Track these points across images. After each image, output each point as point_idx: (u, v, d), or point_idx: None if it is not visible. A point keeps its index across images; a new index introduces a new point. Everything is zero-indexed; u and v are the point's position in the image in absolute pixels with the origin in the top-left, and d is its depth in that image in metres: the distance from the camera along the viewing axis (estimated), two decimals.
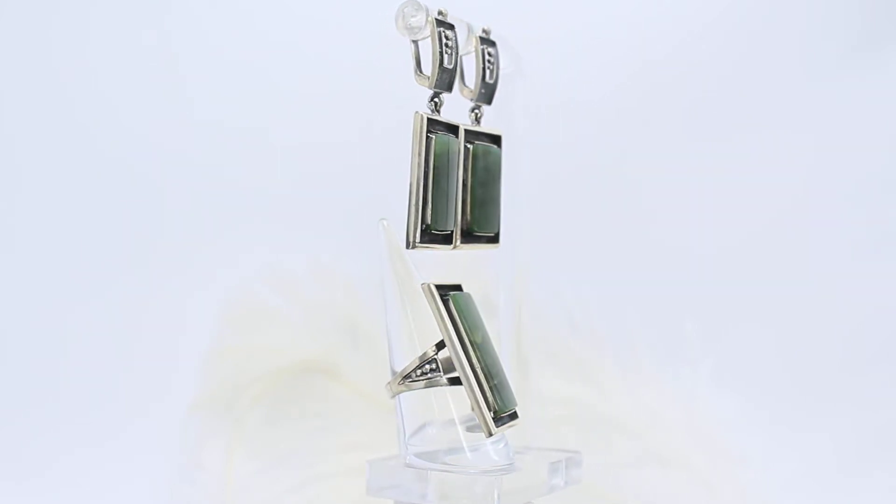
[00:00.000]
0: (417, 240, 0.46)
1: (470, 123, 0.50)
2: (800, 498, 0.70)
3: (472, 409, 0.47)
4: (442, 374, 0.48)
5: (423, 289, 0.47)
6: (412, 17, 0.47)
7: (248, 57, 0.80)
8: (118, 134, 0.81)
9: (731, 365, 0.73)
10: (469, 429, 0.49)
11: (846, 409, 0.76)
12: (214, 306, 0.70)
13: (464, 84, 0.50)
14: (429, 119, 0.47)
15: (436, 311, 0.47)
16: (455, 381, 0.47)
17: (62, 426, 0.79)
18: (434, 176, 0.47)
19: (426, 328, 0.48)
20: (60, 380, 0.80)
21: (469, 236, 0.49)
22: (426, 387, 0.48)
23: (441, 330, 0.47)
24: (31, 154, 0.82)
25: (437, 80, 0.48)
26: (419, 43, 0.48)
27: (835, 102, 0.78)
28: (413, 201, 0.46)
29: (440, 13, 0.48)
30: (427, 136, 0.46)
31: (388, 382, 0.48)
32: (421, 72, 0.48)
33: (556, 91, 0.60)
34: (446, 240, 0.48)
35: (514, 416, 0.49)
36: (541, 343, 0.68)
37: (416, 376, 0.48)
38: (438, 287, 0.48)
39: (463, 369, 0.47)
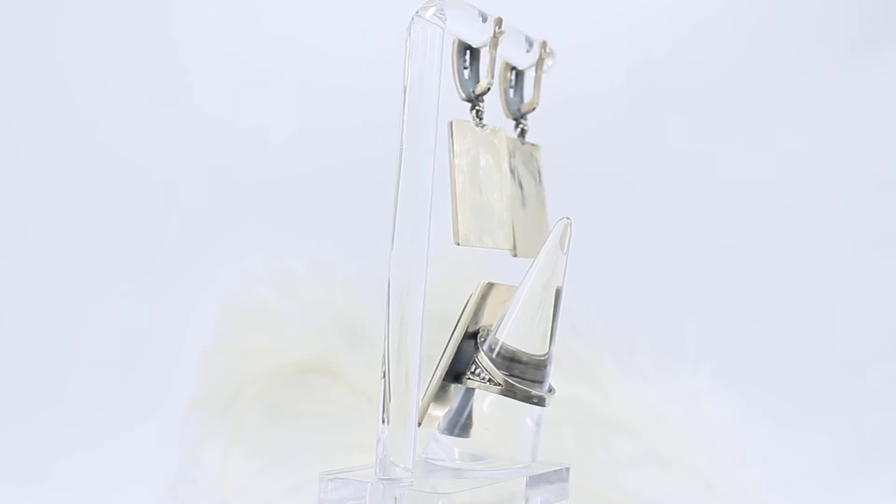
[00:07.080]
0: None
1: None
2: (800, 498, 0.70)
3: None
4: None
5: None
6: None
7: (250, 57, 0.80)
8: (120, 135, 0.81)
9: (731, 365, 0.73)
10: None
11: (846, 409, 0.76)
12: (214, 306, 0.70)
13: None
14: None
15: None
16: None
17: (63, 428, 0.79)
18: None
19: None
20: (61, 381, 0.80)
21: None
22: None
23: None
24: (33, 155, 0.82)
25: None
26: None
27: (834, 102, 0.78)
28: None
29: None
30: None
31: (545, 395, 0.49)
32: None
33: (555, 90, 0.60)
34: None
35: None
36: None
37: None
38: None
39: None
